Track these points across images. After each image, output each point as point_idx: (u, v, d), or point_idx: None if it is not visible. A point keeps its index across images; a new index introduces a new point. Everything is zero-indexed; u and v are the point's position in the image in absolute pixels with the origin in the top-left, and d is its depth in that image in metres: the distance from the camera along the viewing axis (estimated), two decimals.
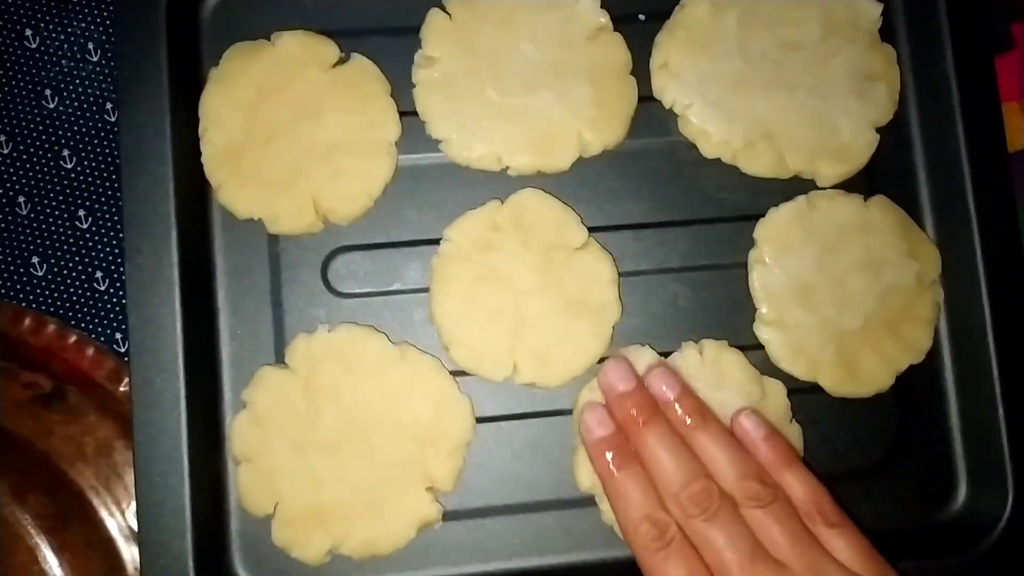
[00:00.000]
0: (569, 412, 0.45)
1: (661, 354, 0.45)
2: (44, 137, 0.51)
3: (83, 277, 0.51)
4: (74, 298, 0.50)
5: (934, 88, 0.48)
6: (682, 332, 0.46)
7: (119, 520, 0.47)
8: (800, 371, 0.46)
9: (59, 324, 0.48)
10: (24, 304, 0.50)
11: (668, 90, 0.47)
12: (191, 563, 0.42)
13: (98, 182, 0.51)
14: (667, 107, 0.47)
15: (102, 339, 0.50)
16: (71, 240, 0.51)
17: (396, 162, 0.46)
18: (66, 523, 0.47)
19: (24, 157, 0.51)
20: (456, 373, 0.45)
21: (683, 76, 0.47)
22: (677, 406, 0.41)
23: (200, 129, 0.45)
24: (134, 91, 0.44)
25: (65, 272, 0.51)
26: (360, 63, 0.46)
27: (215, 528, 0.44)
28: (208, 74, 0.46)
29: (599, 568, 0.45)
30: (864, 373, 0.46)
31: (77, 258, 0.51)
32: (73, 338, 0.48)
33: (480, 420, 0.45)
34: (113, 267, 0.51)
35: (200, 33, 0.47)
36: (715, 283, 0.47)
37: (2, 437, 0.47)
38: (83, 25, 0.52)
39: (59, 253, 0.51)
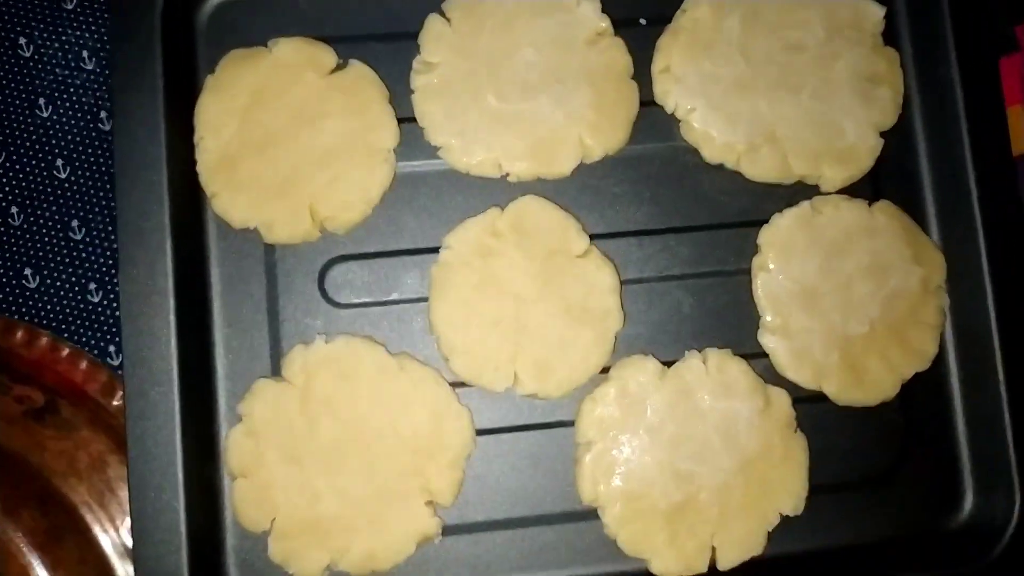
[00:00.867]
0: (571, 423, 0.44)
1: (664, 363, 0.44)
2: (38, 146, 0.51)
3: (76, 288, 0.50)
4: (67, 310, 0.50)
5: (938, 91, 0.48)
6: (685, 340, 0.46)
7: (113, 536, 0.46)
8: (805, 378, 0.45)
9: (52, 337, 0.47)
10: (16, 316, 0.49)
11: (670, 94, 0.47)
12: None
13: (92, 192, 0.50)
14: (669, 112, 0.47)
15: (95, 351, 0.49)
16: (64, 251, 0.50)
17: (394, 169, 0.46)
18: (59, 539, 0.46)
19: (17, 167, 0.51)
20: (455, 384, 0.44)
21: (685, 80, 0.46)
22: None
23: (196, 137, 0.45)
24: (129, 99, 0.44)
25: (58, 283, 0.50)
26: (358, 69, 0.46)
27: (211, 544, 0.44)
28: (204, 81, 0.46)
29: None
30: (870, 380, 0.45)
31: (70, 269, 0.50)
32: (66, 351, 0.47)
33: (480, 432, 0.45)
34: (107, 278, 0.50)
35: (196, 40, 0.47)
36: (718, 290, 0.47)
37: None
38: (77, 33, 0.52)
39: (52, 264, 0.50)
